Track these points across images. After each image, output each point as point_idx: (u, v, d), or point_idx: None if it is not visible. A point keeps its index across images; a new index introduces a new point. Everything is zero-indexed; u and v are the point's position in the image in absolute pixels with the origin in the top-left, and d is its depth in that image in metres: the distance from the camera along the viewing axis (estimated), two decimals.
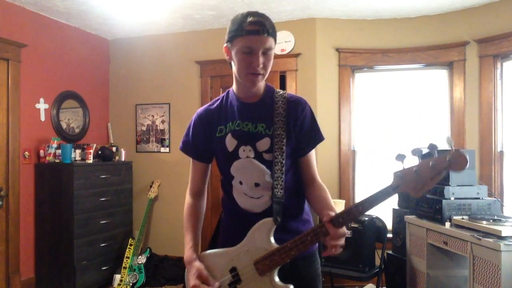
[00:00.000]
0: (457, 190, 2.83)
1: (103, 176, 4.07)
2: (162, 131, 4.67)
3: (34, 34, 3.90)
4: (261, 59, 1.37)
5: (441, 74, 4.04)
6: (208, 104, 1.59)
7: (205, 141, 1.53)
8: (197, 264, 1.46)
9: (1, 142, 3.60)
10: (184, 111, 4.58)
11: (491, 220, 2.54)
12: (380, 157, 4.09)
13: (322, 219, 1.30)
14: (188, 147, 1.60)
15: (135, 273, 4.06)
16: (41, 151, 3.90)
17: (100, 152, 4.19)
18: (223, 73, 4.38)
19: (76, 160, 3.97)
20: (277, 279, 1.36)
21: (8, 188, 3.62)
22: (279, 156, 1.40)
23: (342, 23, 4.10)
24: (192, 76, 4.55)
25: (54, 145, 3.88)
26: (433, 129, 4.01)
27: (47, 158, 3.87)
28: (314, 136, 1.49)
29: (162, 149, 4.67)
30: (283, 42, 4.13)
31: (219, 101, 1.56)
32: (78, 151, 4.03)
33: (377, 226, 3.36)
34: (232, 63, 1.45)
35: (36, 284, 3.87)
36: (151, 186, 4.53)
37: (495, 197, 3.17)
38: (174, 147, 4.63)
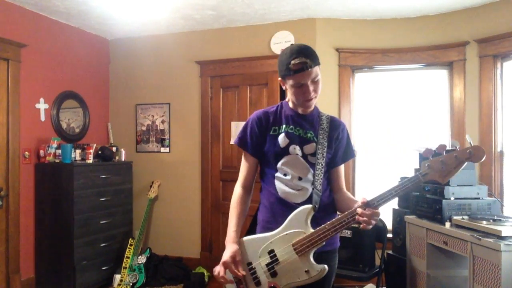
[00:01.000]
0: (457, 190, 2.83)
1: (103, 176, 4.07)
2: (162, 131, 4.67)
3: (34, 34, 3.90)
4: (311, 88, 1.63)
5: (441, 74, 4.04)
6: (265, 109, 1.82)
7: (261, 138, 1.74)
8: (236, 246, 1.62)
9: (1, 142, 3.60)
10: (184, 111, 4.59)
11: (491, 220, 2.54)
12: (380, 157, 4.09)
13: (351, 209, 1.54)
14: (245, 142, 1.76)
15: (135, 273, 4.06)
16: (41, 151, 3.90)
17: (100, 152, 4.19)
18: (223, 73, 4.38)
19: (76, 160, 3.97)
20: (312, 259, 1.54)
21: (8, 188, 3.62)
22: (321, 159, 1.69)
23: (342, 23, 4.10)
24: (192, 76, 4.55)
25: (54, 145, 3.88)
26: (433, 129, 4.01)
27: (47, 158, 3.87)
28: (348, 152, 1.80)
29: (162, 149, 4.67)
30: (283, 42, 4.13)
31: (275, 108, 1.81)
32: (78, 151, 4.03)
33: (377, 226, 3.36)
34: (288, 92, 1.71)
35: (36, 284, 3.87)
36: (151, 186, 4.53)
37: (495, 197, 3.17)
38: (174, 147, 4.63)
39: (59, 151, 3.86)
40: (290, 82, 1.64)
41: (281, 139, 1.70)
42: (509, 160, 3.61)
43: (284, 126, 1.73)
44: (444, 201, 2.81)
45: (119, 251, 4.25)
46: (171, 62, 4.64)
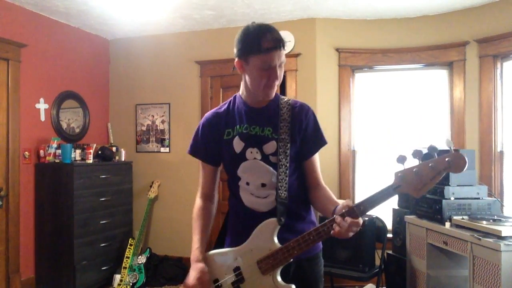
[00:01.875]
0: (457, 190, 2.83)
1: (103, 176, 4.07)
2: (162, 131, 4.67)
3: (34, 34, 3.90)
4: (278, 72, 1.43)
5: (441, 74, 4.04)
6: (215, 108, 1.62)
7: (214, 144, 1.56)
8: (201, 265, 1.47)
9: (1, 142, 3.60)
10: (184, 111, 4.58)
11: (491, 220, 2.54)
12: (380, 157, 4.09)
13: (326, 214, 1.41)
14: (197, 150, 1.60)
15: (135, 273, 4.06)
16: (41, 151, 3.90)
17: (100, 152, 4.19)
18: (223, 73, 4.38)
19: (76, 160, 3.97)
20: (279, 278, 1.40)
21: (8, 188, 3.62)
22: (284, 159, 1.47)
23: (342, 23, 4.10)
24: (192, 76, 4.55)
25: (54, 145, 3.88)
26: (433, 129, 4.01)
27: (47, 158, 3.87)
28: (317, 140, 1.55)
29: (162, 149, 4.67)
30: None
31: (226, 105, 1.60)
32: (78, 151, 4.03)
33: (377, 226, 3.36)
34: (245, 76, 1.49)
35: (36, 284, 3.87)
36: (151, 186, 4.53)
37: (495, 197, 3.17)
38: (174, 147, 4.63)
39: (59, 151, 3.86)
40: (256, 62, 1.40)
41: (236, 143, 1.51)
42: (509, 160, 3.61)
43: (237, 126, 1.52)
44: (444, 201, 2.81)
45: (119, 251, 4.25)
46: (171, 62, 4.64)
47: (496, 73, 3.69)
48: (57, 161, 3.86)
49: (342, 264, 3.29)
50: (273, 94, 1.49)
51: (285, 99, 1.57)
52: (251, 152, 1.49)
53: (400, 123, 4.09)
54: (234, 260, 1.46)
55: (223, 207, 1.72)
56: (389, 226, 3.47)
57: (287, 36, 4.11)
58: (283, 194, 1.45)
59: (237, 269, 1.45)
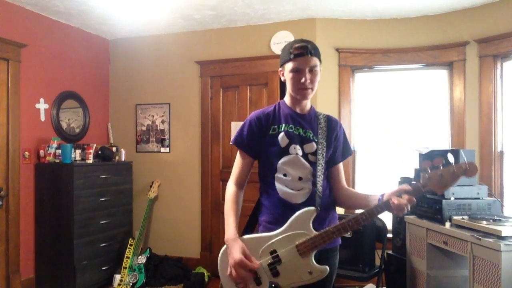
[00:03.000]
0: (457, 190, 2.83)
1: (103, 176, 4.07)
2: (162, 131, 4.67)
3: (34, 34, 3.90)
4: (308, 76, 1.66)
5: (441, 74, 4.04)
6: (263, 109, 1.83)
7: (258, 138, 1.74)
8: (241, 242, 1.60)
9: (1, 142, 3.60)
10: (184, 111, 4.59)
11: (491, 220, 2.54)
12: (380, 157, 4.09)
13: (360, 206, 1.70)
14: (242, 142, 1.77)
15: (135, 273, 4.06)
16: (41, 151, 3.90)
17: (100, 152, 4.19)
18: (223, 73, 4.38)
19: (76, 160, 3.97)
20: (314, 261, 1.58)
21: (8, 188, 3.62)
22: (321, 159, 1.71)
23: (342, 23, 4.10)
24: (192, 76, 4.55)
25: (54, 145, 3.88)
26: (433, 129, 4.01)
27: (47, 158, 3.87)
28: (346, 150, 1.84)
29: (162, 149, 4.67)
30: (283, 42, 4.13)
31: (272, 107, 1.82)
32: (78, 151, 4.03)
33: (377, 226, 3.36)
34: (286, 82, 1.74)
35: (36, 284, 3.87)
36: (151, 186, 4.53)
37: (495, 197, 3.17)
38: (174, 147, 4.63)
39: (59, 151, 3.86)
40: (288, 67, 1.68)
41: (281, 138, 1.71)
42: (509, 160, 3.61)
43: (283, 125, 1.74)
44: (444, 201, 2.80)
45: (119, 251, 4.25)
46: (171, 62, 4.64)
47: (496, 73, 3.69)
48: (57, 161, 3.86)
49: (342, 264, 3.24)
50: (308, 95, 1.71)
51: (321, 113, 1.82)
52: (294, 148, 1.70)
53: (400, 123, 4.09)
54: (271, 244, 1.60)
55: (244, 209, 1.81)
56: (389, 226, 3.47)
57: (287, 36, 4.12)
58: (319, 188, 1.68)
59: (273, 252, 1.59)
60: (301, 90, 1.69)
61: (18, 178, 3.71)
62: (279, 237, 1.60)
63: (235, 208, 1.71)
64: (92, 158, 4.04)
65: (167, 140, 4.65)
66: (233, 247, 1.59)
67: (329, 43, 4.09)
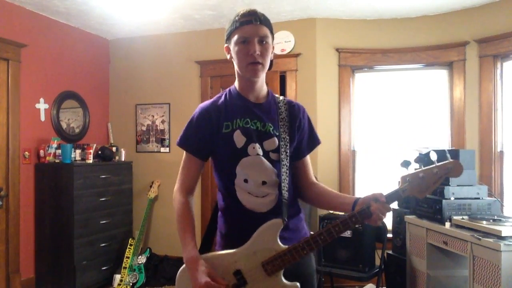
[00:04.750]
0: (457, 190, 2.83)
1: (103, 176, 4.07)
2: (162, 131, 4.67)
3: (34, 34, 3.90)
4: (257, 47, 1.40)
5: (441, 74, 4.04)
6: (212, 100, 1.55)
7: (209, 137, 1.48)
8: (203, 262, 1.39)
9: (1, 142, 3.60)
10: (184, 111, 4.58)
11: (491, 220, 2.54)
12: (380, 157, 4.09)
13: (336, 208, 1.49)
14: (189, 142, 1.53)
15: (135, 273, 4.06)
16: (41, 151, 3.90)
17: (100, 152, 4.19)
18: (223, 73, 4.38)
19: (76, 160, 3.97)
20: (283, 278, 1.38)
21: (8, 188, 3.62)
22: (285, 158, 1.45)
23: (342, 23, 4.10)
24: (192, 76, 4.55)
25: (54, 145, 3.88)
26: (433, 129, 4.01)
27: (47, 158, 3.87)
28: (312, 140, 1.57)
29: (162, 149, 4.67)
30: (283, 42, 4.13)
31: (222, 97, 1.54)
32: (78, 151, 4.03)
33: (377, 226, 3.35)
34: (233, 60, 1.48)
35: (36, 284, 3.87)
36: (151, 186, 4.53)
37: (495, 197, 3.17)
38: (174, 147, 4.63)
39: (59, 151, 3.86)
40: (234, 38, 1.42)
41: (237, 137, 1.44)
42: (509, 160, 3.61)
43: (238, 120, 1.46)
44: (444, 201, 2.80)
45: (119, 251, 4.25)
46: (171, 62, 4.64)
47: (496, 73, 3.69)
48: (57, 161, 3.86)
49: (342, 264, 3.29)
50: (258, 72, 1.44)
51: (281, 98, 1.55)
52: (253, 148, 1.43)
53: (400, 123, 4.08)
54: (234, 263, 1.39)
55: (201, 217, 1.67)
56: (389, 226, 3.47)
57: (287, 36, 4.12)
58: (285, 194, 1.43)
59: (238, 272, 1.39)
60: (250, 66, 1.41)
61: (18, 178, 3.71)
62: (243, 255, 1.39)
63: (189, 222, 1.46)
64: (92, 158, 4.04)
65: (167, 140, 4.65)
66: (196, 269, 1.35)
67: (329, 43, 4.09)
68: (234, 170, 1.44)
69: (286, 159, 1.45)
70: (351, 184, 4.10)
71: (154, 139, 4.71)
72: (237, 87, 1.54)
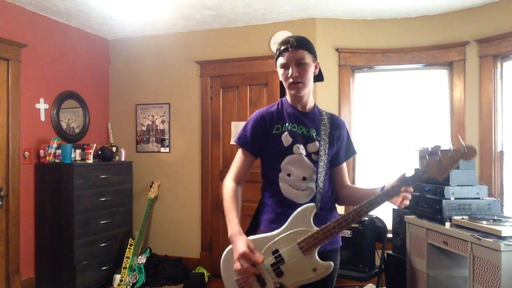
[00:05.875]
0: (457, 190, 2.83)
1: (103, 176, 4.07)
2: (162, 131, 4.67)
3: (34, 34, 3.90)
4: (294, 70, 1.66)
5: (441, 74, 4.04)
6: (266, 107, 1.81)
7: (262, 137, 1.72)
8: (245, 237, 1.58)
9: (1, 142, 3.60)
10: (184, 111, 4.59)
11: (491, 220, 2.54)
12: (380, 157, 4.09)
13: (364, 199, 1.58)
14: (246, 141, 1.75)
15: (135, 273, 4.06)
16: (41, 151, 3.90)
17: (100, 152, 4.19)
18: (223, 73, 4.38)
19: (76, 160, 3.97)
20: (317, 257, 1.55)
21: (8, 188, 3.62)
22: (323, 158, 1.69)
23: (342, 23, 4.10)
24: (192, 76, 4.55)
25: (54, 145, 3.88)
26: (433, 129, 4.01)
27: (47, 158, 3.87)
28: (349, 150, 1.84)
29: (162, 149, 4.67)
30: None
31: (275, 106, 1.79)
32: (78, 151, 4.03)
33: (377, 226, 3.36)
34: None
35: (36, 284, 3.87)
36: (151, 186, 4.53)
37: (495, 197, 3.17)
38: (174, 147, 4.63)
39: (59, 151, 3.86)
40: (278, 63, 1.71)
41: (285, 137, 1.69)
42: (509, 160, 3.61)
43: (287, 124, 1.72)
44: (444, 201, 2.81)
45: (119, 251, 4.25)
46: (171, 62, 4.64)
47: (496, 73, 3.69)
48: (57, 161, 3.86)
49: (342, 264, 3.23)
50: (300, 90, 1.68)
51: (324, 111, 1.82)
52: (298, 148, 1.68)
53: (400, 123, 4.08)
54: (272, 244, 1.57)
55: (248, 209, 1.79)
56: (389, 226, 3.47)
57: (287, 36, 4.11)
58: (320, 185, 1.66)
59: (275, 251, 1.56)
60: (291, 85, 1.68)
61: (18, 178, 3.71)
62: (280, 236, 1.57)
63: (235, 204, 1.67)
64: (92, 158, 4.04)
65: (167, 140, 4.65)
66: (238, 241, 1.55)
67: (329, 43, 4.09)
68: (280, 165, 1.69)
69: (325, 158, 1.69)
70: (351, 184, 4.09)
71: (154, 139, 4.71)
72: (288, 99, 1.79)
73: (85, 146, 4.08)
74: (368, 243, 3.30)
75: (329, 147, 1.72)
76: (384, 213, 3.47)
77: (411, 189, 1.50)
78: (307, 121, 1.74)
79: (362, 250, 3.26)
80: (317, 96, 4.06)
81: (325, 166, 1.69)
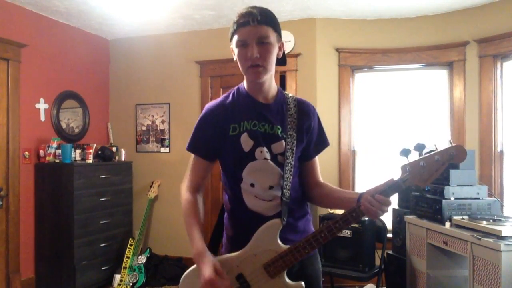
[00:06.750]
0: (457, 190, 2.83)
1: (103, 176, 4.07)
2: (162, 131, 4.67)
3: (34, 34, 3.90)
4: (255, 49, 1.33)
5: (441, 74, 4.04)
6: (219, 100, 1.48)
7: (216, 138, 1.43)
8: (211, 257, 1.35)
9: (1, 142, 3.60)
10: (184, 111, 4.58)
11: (491, 220, 2.54)
12: (380, 157, 4.09)
13: (340, 206, 1.43)
14: (198, 147, 1.48)
15: (135, 273, 4.06)
16: (41, 151, 3.90)
17: (100, 152, 4.19)
18: (223, 73, 4.38)
19: (76, 160, 3.97)
20: (287, 279, 1.35)
21: (8, 188, 3.62)
22: (290, 158, 1.39)
23: (342, 23, 4.10)
24: (192, 76, 4.55)
25: (54, 145, 3.88)
26: (433, 129, 4.00)
27: (47, 158, 3.87)
28: (321, 142, 1.53)
29: (162, 149, 4.67)
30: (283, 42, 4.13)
31: (230, 97, 1.47)
32: (78, 151, 4.03)
33: (377, 226, 3.36)
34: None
35: (36, 284, 3.87)
36: (151, 186, 4.53)
37: (495, 197, 3.17)
38: (174, 147, 4.63)
39: (59, 151, 3.86)
40: (234, 41, 1.37)
41: (244, 141, 1.39)
42: (509, 160, 3.61)
43: (245, 122, 1.40)
44: (444, 201, 2.80)
45: (119, 251, 4.25)
46: (171, 62, 4.64)
47: (496, 73, 3.69)
48: (57, 161, 3.86)
49: (342, 264, 3.29)
50: (260, 75, 1.37)
51: (290, 95, 1.50)
52: (261, 152, 1.38)
53: (400, 123, 4.08)
54: (235, 267, 1.36)
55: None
56: (389, 226, 3.46)
57: (287, 36, 4.11)
58: (287, 194, 1.38)
59: (240, 276, 1.36)
60: (249, 69, 1.36)
61: (18, 178, 3.71)
62: (244, 258, 1.36)
63: (196, 218, 1.45)
64: (92, 158, 4.04)
65: (167, 140, 4.65)
66: (203, 263, 1.32)
67: (329, 43, 4.09)
68: (241, 174, 1.41)
69: (292, 160, 1.40)
70: (351, 184, 4.10)
71: (154, 139, 4.71)
72: (245, 87, 1.47)
73: (85, 146, 4.08)
74: (368, 243, 3.30)
75: (297, 144, 1.42)
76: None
77: (389, 200, 1.29)
78: (270, 116, 1.42)
79: (362, 250, 3.26)
80: (317, 96, 4.07)
81: (292, 170, 1.40)
